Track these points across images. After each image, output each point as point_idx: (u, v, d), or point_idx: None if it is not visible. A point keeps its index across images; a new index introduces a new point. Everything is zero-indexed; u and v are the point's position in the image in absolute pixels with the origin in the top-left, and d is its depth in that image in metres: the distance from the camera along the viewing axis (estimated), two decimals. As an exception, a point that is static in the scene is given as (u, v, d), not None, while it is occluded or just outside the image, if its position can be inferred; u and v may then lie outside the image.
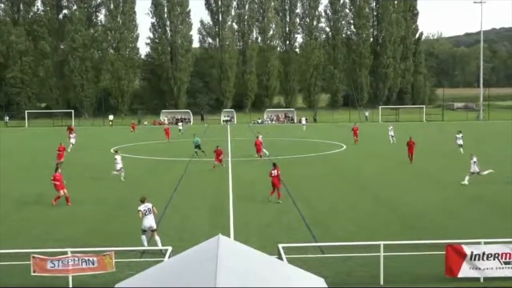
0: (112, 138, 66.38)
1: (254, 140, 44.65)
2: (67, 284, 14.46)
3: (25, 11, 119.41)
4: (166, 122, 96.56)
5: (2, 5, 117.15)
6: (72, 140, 50.53)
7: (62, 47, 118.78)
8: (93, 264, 14.23)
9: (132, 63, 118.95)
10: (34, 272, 14.25)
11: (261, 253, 7.80)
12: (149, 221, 18.01)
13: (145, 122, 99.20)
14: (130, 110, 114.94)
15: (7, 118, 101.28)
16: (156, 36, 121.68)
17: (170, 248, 14.25)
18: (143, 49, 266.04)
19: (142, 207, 18.16)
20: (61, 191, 25.40)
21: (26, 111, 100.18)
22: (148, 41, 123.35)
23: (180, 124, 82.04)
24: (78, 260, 14.25)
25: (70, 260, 14.25)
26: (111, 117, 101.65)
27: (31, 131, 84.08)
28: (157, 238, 17.79)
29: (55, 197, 25.32)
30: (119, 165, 32.89)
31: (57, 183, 25.49)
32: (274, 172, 25.63)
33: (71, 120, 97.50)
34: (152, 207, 18.28)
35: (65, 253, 14.47)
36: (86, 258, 14.29)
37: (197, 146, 44.24)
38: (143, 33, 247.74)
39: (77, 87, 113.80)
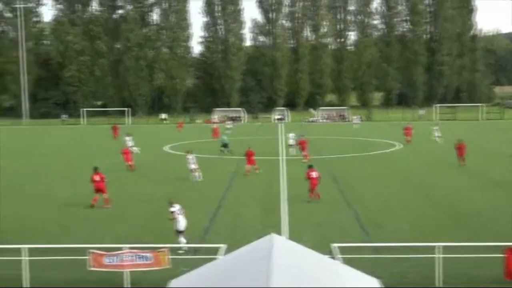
0: (163, 136, 67.11)
1: (298, 140, 44.25)
2: (122, 279, 14.80)
3: (82, 11, 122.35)
4: (216, 120, 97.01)
5: (60, 6, 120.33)
6: (130, 143, 45.93)
7: (118, 46, 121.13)
8: (149, 260, 14.51)
9: (185, 62, 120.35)
10: (91, 267, 14.65)
11: (315, 252, 7.81)
12: (185, 222, 18.19)
13: (198, 121, 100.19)
14: (184, 109, 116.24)
15: (66, 116, 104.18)
16: (209, 35, 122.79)
17: (225, 246, 14.41)
18: (196, 48, 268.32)
19: (174, 208, 18.27)
20: (101, 195, 25.08)
21: (81, 109, 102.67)
22: (201, 39, 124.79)
23: (228, 122, 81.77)
24: (134, 256, 14.55)
25: (126, 256, 14.55)
26: (163, 115, 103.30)
27: (86, 129, 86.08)
28: (182, 238, 17.99)
29: (105, 201, 25.09)
30: (192, 165, 32.19)
31: (102, 182, 25.23)
32: (315, 174, 25.48)
33: (126, 118, 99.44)
34: (181, 208, 18.45)
35: (121, 249, 14.82)
36: (142, 254, 14.57)
37: (224, 145, 45.10)
38: (196, 32, 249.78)
39: (132, 85, 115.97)
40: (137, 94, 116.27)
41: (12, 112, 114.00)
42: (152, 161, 42.46)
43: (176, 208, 18.34)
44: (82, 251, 15.03)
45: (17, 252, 14.98)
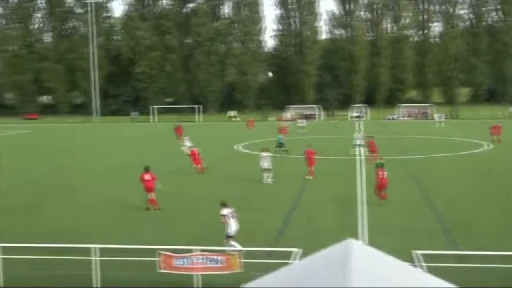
0: (233, 135, 67.51)
1: (367, 141, 43.29)
2: (192, 281, 15.04)
3: (152, 5, 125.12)
4: (288, 118, 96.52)
5: (131, 1, 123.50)
6: (188, 144, 44.68)
7: (189, 41, 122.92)
8: (220, 263, 14.65)
9: (258, 57, 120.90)
10: (161, 268, 14.92)
11: (395, 259, 7.69)
12: (236, 225, 18.13)
13: (271, 118, 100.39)
14: (256, 106, 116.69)
15: (137, 113, 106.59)
16: (282, 28, 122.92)
17: (299, 251, 14.42)
18: (269, 42, 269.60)
19: (226, 211, 18.23)
20: (152, 193, 25.07)
21: (151, 106, 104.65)
22: (273, 33, 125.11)
23: (300, 120, 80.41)
24: (205, 259, 14.72)
25: (197, 259, 14.74)
26: (231, 113, 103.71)
27: (156, 127, 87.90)
28: (232, 242, 17.95)
29: (150, 201, 25.13)
30: (265, 164, 31.58)
31: (152, 181, 25.15)
32: (385, 174, 25.20)
33: (196, 115, 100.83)
34: (235, 211, 18.43)
35: (192, 251, 15.05)
36: (213, 257, 14.73)
37: (280, 145, 44.68)
38: (269, 26, 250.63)
39: (203, 81, 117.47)
40: (208, 90, 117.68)
41: (83, 109, 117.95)
42: (223, 160, 42.86)
43: (227, 211, 18.34)
44: (151, 252, 15.38)
45: (87, 252, 15.49)
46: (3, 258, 15.58)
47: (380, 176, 25.22)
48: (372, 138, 42.25)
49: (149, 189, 25.17)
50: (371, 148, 40.31)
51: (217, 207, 25.12)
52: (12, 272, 15.72)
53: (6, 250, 15.83)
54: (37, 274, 16.09)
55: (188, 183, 31.85)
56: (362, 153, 43.01)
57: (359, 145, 44.16)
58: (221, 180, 32.94)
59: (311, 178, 31.99)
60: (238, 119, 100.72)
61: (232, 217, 18.24)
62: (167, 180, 32.33)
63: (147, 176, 25.29)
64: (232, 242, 17.85)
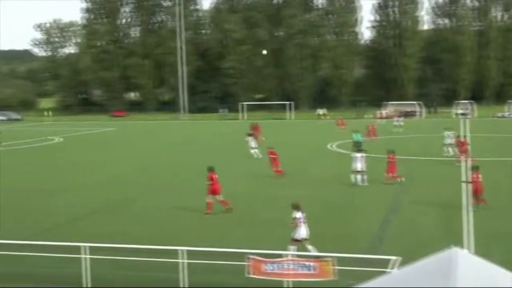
0: (324, 133, 66.89)
1: (457, 140, 41.62)
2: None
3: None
4: (384, 115, 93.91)
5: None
6: (252, 144, 44.70)
7: (280, 33, 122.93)
8: (312, 270, 14.54)
9: (353, 50, 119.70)
10: (251, 273, 14.99)
11: (505, 270, 7.45)
12: (306, 230, 17.95)
13: (367, 116, 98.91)
14: (351, 102, 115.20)
15: (225, 110, 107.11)
16: (380, 19, 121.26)
17: (398, 259, 14.20)
18: (365, 33, 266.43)
19: (298, 215, 18.06)
20: (216, 196, 24.85)
21: (240, 103, 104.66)
22: (370, 24, 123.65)
23: (397, 119, 77.09)
24: (297, 264, 14.69)
25: (288, 264, 14.73)
26: (320, 110, 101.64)
27: (245, 125, 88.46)
28: (311, 247, 17.67)
29: (208, 206, 24.86)
30: (358, 165, 31.09)
31: (212, 182, 24.93)
32: (480, 177, 24.51)
33: (287, 112, 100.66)
34: (305, 217, 18.19)
35: (282, 255, 15.07)
36: (305, 263, 14.67)
37: (356, 144, 42.29)
38: (365, 16, 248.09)
39: (294, 76, 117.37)
40: (299, 86, 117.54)
41: (170, 106, 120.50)
42: (316, 160, 42.86)
43: (300, 214, 18.18)
44: (239, 256, 15.53)
45: (174, 254, 15.85)
46: (91, 258, 16.20)
47: (475, 180, 24.51)
48: (464, 138, 40.81)
49: (215, 191, 24.93)
50: (462, 148, 38.95)
51: (305, 210, 25.14)
52: (99, 273, 16.33)
53: (93, 250, 16.47)
54: (124, 275, 16.65)
55: (276, 185, 31.94)
56: (452, 153, 41.47)
57: (450, 144, 42.53)
58: (314, 182, 32.83)
59: (403, 180, 31.33)
60: (327, 117, 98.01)
61: (304, 221, 18.17)
62: (256, 181, 32.71)
63: (216, 177, 25.15)
64: (291, 246, 17.72)
